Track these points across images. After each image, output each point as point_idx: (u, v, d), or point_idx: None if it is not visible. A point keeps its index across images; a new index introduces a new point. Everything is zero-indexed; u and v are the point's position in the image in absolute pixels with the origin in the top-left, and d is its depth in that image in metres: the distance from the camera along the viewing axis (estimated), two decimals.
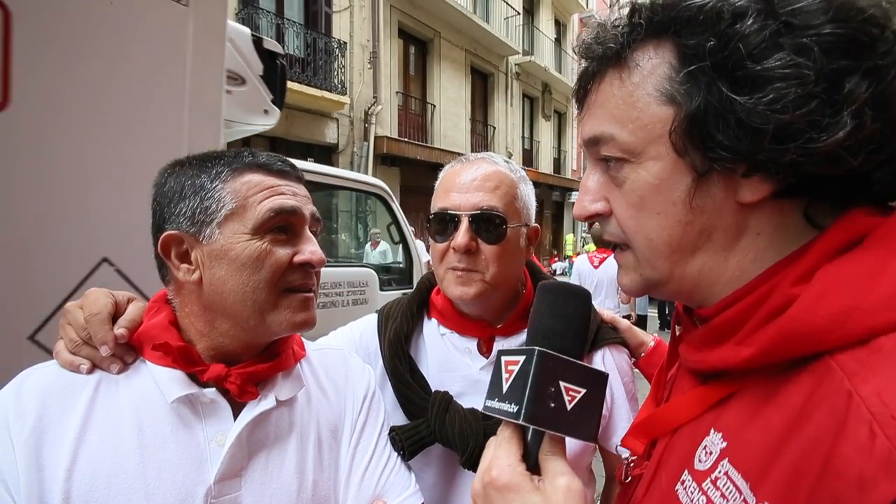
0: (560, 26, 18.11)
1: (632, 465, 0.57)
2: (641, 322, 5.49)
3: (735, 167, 0.41)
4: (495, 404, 0.49)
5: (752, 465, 0.38)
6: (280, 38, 8.17)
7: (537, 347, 0.47)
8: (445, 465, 0.91)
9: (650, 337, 1.06)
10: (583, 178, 0.53)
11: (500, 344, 0.94)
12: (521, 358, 0.48)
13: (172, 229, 0.66)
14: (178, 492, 0.60)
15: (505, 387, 0.48)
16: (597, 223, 0.53)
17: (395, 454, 0.80)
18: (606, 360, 0.96)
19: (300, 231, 0.70)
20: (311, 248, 0.69)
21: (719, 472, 0.41)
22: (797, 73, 0.36)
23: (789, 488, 0.35)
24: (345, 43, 9.14)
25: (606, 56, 0.47)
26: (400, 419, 0.90)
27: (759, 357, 0.40)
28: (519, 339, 0.94)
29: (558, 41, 17.83)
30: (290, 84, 7.86)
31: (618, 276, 0.55)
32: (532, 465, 0.46)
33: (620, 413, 0.94)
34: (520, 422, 0.45)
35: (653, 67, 0.44)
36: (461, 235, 0.86)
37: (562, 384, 0.46)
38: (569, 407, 0.46)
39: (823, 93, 0.36)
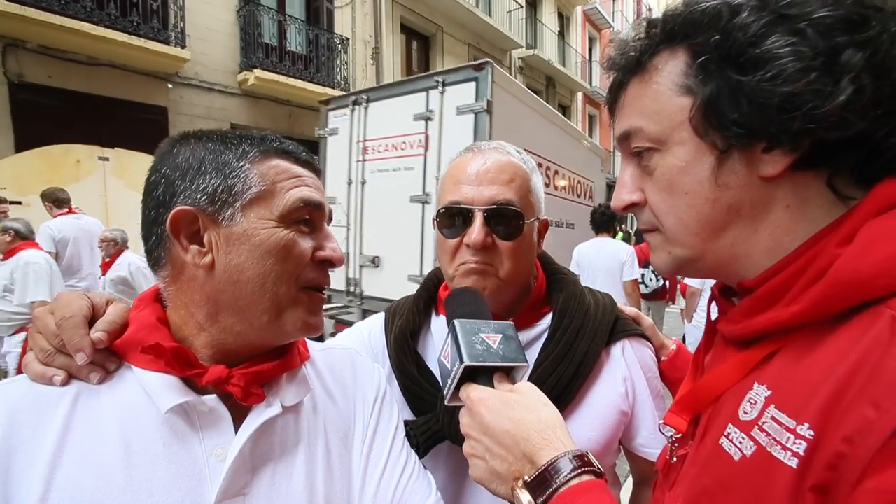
0: (563, 19, 17.91)
1: (676, 445, 0.59)
2: None
3: (753, 143, 0.45)
4: (447, 382, 0.61)
5: (795, 401, 0.40)
6: (282, 34, 8.13)
7: (452, 320, 0.62)
8: (457, 465, 0.88)
9: (671, 340, 1.02)
10: (619, 174, 0.59)
11: None
12: (448, 339, 0.63)
13: (186, 205, 0.58)
14: None
15: (448, 364, 0.62)
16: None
17: (413, 459, 0.74)
18: (626, 353, 0.90)
19: (320, 226, 0.66)
20: (332, 245, 0.65)
21: (766, 417, 0.43)
22: (793, 50, 0.41)
23: (830, 406, 0.37)
24: (347, 39, 9.06)
25: (629, 65, 0.54)
26: (407, 416, 0.87)
27: (809, 310, 0.42)
28: (531, 333, 0.91)
29: (562, 34, 17.65)
30: (293, 81, 7.90)
31: (650, 257, 0.60)
32: None
33: (644, 412, 0.89)
34: (466, 363, 0.58)
35: (670, 67, 0.50)
36: (476, 231, 0.81)
37: (482, 335, 0.61)
38: (495, 346, 0.60)
39: (822, 66, 0.41)
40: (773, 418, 0.42)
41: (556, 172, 5.11)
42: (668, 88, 0.50)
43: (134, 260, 4.38)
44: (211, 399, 0.59)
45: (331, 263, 0.65)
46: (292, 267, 0.61)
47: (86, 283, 4.54)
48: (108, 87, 6.46)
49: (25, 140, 5.67)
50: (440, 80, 3.77)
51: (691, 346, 3.71)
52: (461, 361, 0.58)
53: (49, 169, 5.38)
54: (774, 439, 0.41)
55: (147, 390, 0.57)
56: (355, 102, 4.33)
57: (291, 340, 0.66)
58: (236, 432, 0.59)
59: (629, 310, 1.00)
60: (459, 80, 3.73)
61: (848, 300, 0.40)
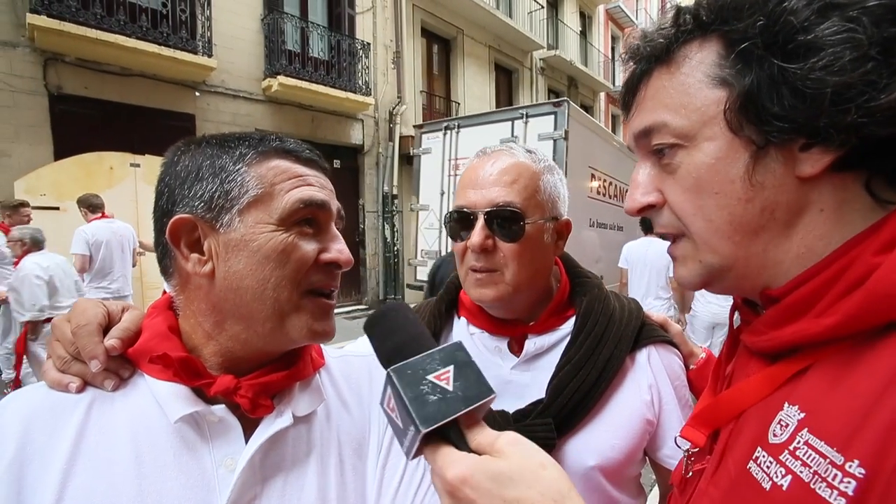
0: (585, 18, 17.71)
1: (693, 459, 0.56)
2: None
3: (793, 140, 0.43)
4: (406, 442, 0.47)
5: (838, 432, 0.38)
6: (304, 41, 8.29)
7: (387, 370, 0.47)
8: None
9: (700, 348, 0.97)
10: (632, 174, 0.55)
11: (532, 342, 0.88)
12: (388, 389, 0.48)
13: (185, 213, 0.58)
14: None
15: (398, 420, 0.47)
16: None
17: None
18: (652, 359, 0.87)
19: (326, 227, 0.63)
20: (338, 247, 0.62)
21: (798, 442, 0.40)
22: (850, 37, 0.38)
23: (884, 443, 0.35)
24: (368, 44, 9.17)
25: (654, 54, 0.50)
26: None
27: (844, 324, 0.39)
28: (553, 336, 0.88)
29: (584, 34, 17.45)
30: (315, 86, 8.04)
31: (674, 269, 0.55)
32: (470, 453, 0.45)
33: (671, 422, 0.85)
34: (424, 431, 0.43)
35: (701, 58, 0.47)
36: (475, 234, 0.81)
37: (429, 377, 0.46)
38: (451, 387, 0.46)
39: (878, 55, 0.38)
40: (807, 444, 0.39)
41: (611, 184, 6.42)
42: (698, 80, 0.47)
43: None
44: (220, 409, 0.57)
45: (337, 265, 0.62)
46: (292, 271, 0.58)
47: (117, 284, 4.71)
48: (139, 96, 6.70)
49: (63, 149, 5.92)
50: (524, 112, 4.97)
51: (692, 334, 4.31)
52: (416, 428, 0.44)
53: (85, 176, 5.61)
54: (818, 475, 0.38)
55: (157, 399, 0.57)
56: (447, 127, 5.52)
57: (300, 346, 0.65)
58: (248, 442, 0.58)
59: (656, 316, 0.97)
60: (541, 114, 4.85)
61: (888, 314, 0.37)
